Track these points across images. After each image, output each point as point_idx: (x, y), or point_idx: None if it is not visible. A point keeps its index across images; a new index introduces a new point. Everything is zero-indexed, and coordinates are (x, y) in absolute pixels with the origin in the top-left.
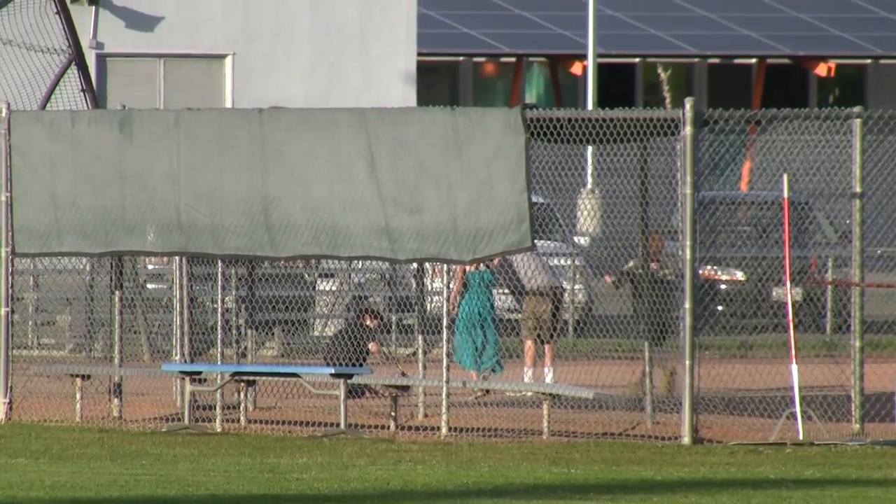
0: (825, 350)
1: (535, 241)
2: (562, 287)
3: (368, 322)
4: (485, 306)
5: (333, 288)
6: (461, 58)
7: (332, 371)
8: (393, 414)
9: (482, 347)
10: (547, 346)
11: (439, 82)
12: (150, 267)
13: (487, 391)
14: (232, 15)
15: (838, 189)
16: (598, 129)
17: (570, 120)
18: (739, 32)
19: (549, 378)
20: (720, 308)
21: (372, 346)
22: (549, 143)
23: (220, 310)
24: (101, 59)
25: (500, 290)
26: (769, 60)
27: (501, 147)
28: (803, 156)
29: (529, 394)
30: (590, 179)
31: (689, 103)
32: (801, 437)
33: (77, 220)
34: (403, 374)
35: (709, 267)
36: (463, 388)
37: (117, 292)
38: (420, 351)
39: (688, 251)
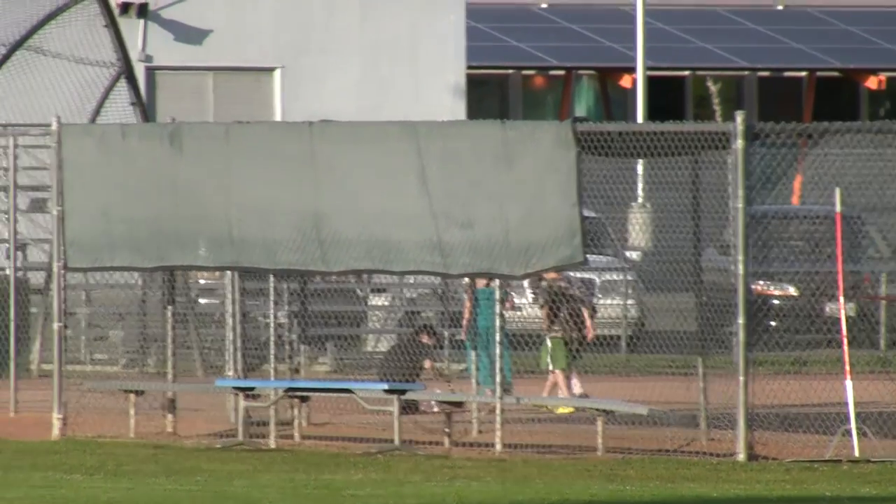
0: (879, 366)
1: (587, 255)
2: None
3: (425, 339)
4: (492, 323)
5: (386, 303)
6: (510, 71)
7: (386, 387)
8: (447, 430)
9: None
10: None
11: (489, 96)
12: (202, 282)
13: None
14: (281, 28)
15: (891, 203)
16: (650, 143)
17: (621, 133)
18: (790, 45)
19: (576, 390)
20: (773, 324)
21: (426, 363)
22: (600, 157)
23: (272, 325)
24: (151, 73)
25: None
26: (819, 73)
27: (553, 161)
28: (855, 169)
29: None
30: (641, 193)
31: (739, 116)
32: (856, 453)
33: (129, 234)
34: (452, 392)
35: (761, 282)
36: (517, 405)
37: (169, 307)
38: (473, 367)
39: (740, 266)
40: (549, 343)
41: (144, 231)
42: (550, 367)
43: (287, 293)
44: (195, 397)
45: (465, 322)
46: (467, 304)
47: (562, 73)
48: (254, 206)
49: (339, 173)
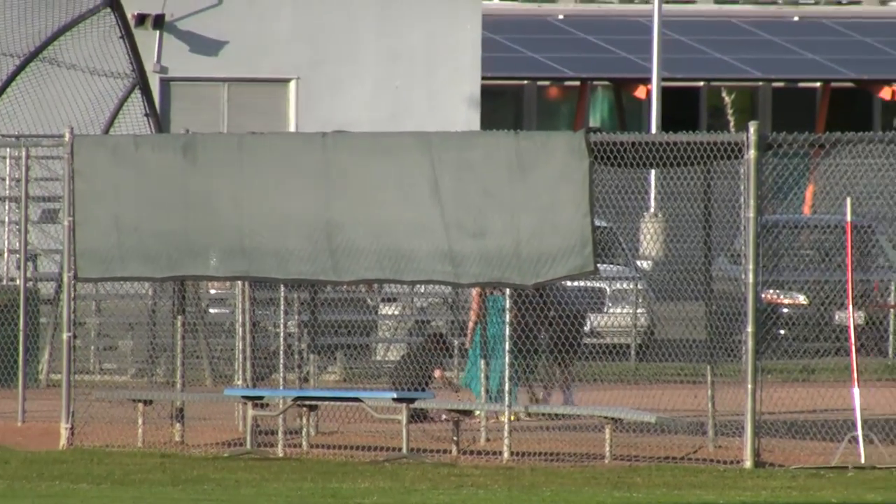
0: (887, 374)
1: (598, 265)
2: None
3: (437, 348)
4: (500, 332)
5: (396, 312)
6: (526, 82)
7: (395, 395)
8: (455, 438)
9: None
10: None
11: (504, 106)
12: (213, 291)
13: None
14: (297, 39)
15: None
16: (662, 153)
17: (633, 144)
18: (804, 56)
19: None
20: (782, 332)
21: (437, 372)
22: (612, 167)
23: (282, 334)
24: (165, 84)
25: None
26: (833, 84)
27: (565, 171)
28: (867, 179)
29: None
30: (653, 203)
31: (752, 127)
32: (862, 460)
33: (140, 244)
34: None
35: (771, 291)
36: (525, 412)
37: (179, 317)
38: (482, 375)
39: (751, 275)
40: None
41: (156, 242)
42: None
43: (297, 302)
44: (204, 406)
45: (470, 327)
46: (475, 307)
47: (577, 83)
48: (266, 217)
49: (352, 183)
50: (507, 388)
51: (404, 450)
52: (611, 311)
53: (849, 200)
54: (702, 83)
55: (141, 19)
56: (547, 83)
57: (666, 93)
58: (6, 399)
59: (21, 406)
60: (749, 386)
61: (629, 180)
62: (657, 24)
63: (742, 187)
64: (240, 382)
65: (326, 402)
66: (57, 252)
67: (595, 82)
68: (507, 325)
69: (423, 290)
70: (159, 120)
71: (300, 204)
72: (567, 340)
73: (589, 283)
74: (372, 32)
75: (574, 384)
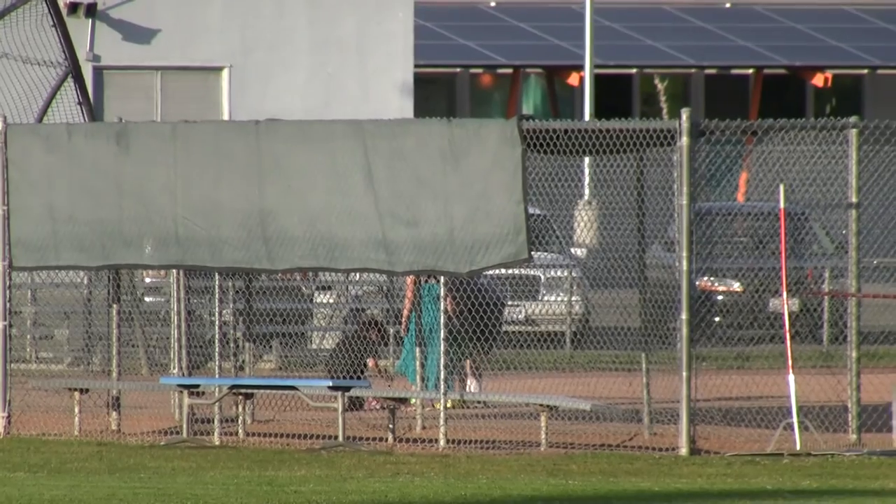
0: (822, 361)
1: (532, 252)
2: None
3: (373, 336)
4: (435, 320)
5: (331, 300)
6: (458, 69)
7: (330, 384)
8: (391, 426)
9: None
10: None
11: (436, 94)
12: (148, 280)
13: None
14: (229, 27)
15: (835, 199)
16: (595, 140)
17: (566, 131)
18: (736, 43)
19: (472, 388)
20: (717, 319)
21: (370, 362)
22: (545, 155)
23: (217, 323)
24: (98, 72)
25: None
26: (766, 71)
27: (498, 158)
28: (800, 166)
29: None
30: (586, 190)
31: (685, 114)
32: (798, 447)
33: (74, 233)
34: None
35: (705, 278)
36: (460, 400)
37: (115, 306)
38: (417, 364)
39: (684, 262)
40: None
41: (90, 230)
42: None
43: (232, 291)
44: (140, 395)
45: (405, 315)
46: (409, 294)
47: (510, 71)
48: (200, 205)
49: (285, 172)
50: (442, 375)
51: (340, 438)
52: (545, 298)
53: (782, 187)
54: (634, 70)
55: (73, 8)
56: (479, 71)
57: (599, 80)
58: None
59: None
60: (684, 373)
61: (562, 168)
62: (589, 12)
63: (675, 174)
64: (175, 371)
65: (262, 391)
66: None
67: (528, 70)
68: (442, 313)
69: (357, 279)
70: (92, 108)
71: (234, 192)
72: (484, 329)
73: (522, 271)
74: (304, 20)
75: (487, 373)
